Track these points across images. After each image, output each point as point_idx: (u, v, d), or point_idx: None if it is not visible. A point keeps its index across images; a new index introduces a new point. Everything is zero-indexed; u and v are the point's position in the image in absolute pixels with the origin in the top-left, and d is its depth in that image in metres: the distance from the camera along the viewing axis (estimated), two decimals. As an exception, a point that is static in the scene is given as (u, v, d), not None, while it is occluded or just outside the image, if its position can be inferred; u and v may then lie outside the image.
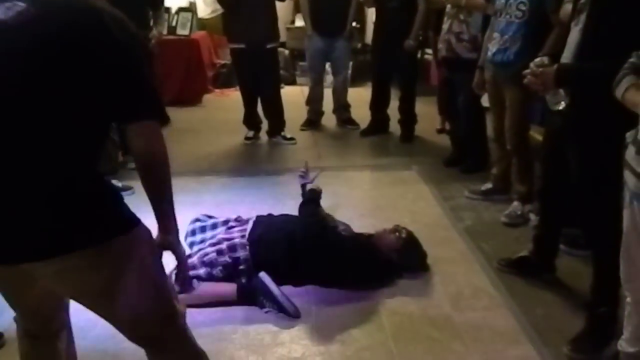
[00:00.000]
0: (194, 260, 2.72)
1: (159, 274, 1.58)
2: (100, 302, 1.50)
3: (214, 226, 3.08)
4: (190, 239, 3.06)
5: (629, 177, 1.84)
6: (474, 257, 3.16)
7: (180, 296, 2.61)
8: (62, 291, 1.55)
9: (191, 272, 2.65)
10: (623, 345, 2.08)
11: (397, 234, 2.97)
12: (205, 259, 2.73)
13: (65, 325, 1.74)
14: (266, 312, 2.62)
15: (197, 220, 3.17)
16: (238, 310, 2.67)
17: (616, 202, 2.20)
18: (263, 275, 2.66)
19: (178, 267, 1.67)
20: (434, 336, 2.49)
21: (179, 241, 1.58)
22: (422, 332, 2.52)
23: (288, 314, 2.59)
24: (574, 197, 2.49)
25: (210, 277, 2.70)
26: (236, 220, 3.06)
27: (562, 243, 3.00)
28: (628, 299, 2.04)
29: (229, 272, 2.72)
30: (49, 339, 1.69)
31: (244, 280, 2.72)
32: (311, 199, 3.13)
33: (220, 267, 2.71)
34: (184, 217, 3.45)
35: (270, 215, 3.10)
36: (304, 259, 2.73)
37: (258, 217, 3.03)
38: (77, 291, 1.50)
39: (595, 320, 2.38)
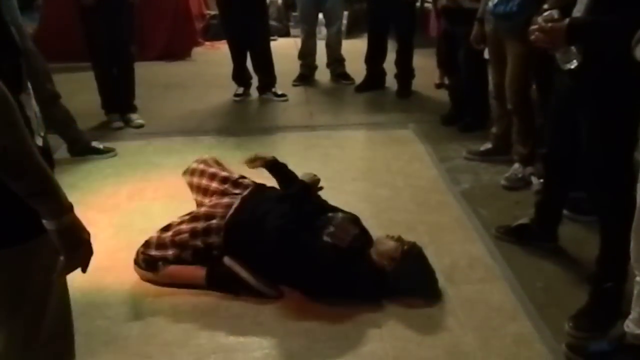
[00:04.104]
0: (166, 236, 2.53)
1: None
2: None
3: (213, 177, 2.77)
4: (188, 179, 2.84)
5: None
6: (470, 224, 2.99)
7: (147, 274, 2.50)
8: None
9: (158, 253, 2.50)
10: (630, 326, 1.92)
11: (398, 242, 2.45)
12: (177, 238, 2.51)
13: None
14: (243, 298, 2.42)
15: (204, 162, 2.87)
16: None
17: (630, 169, 2.03)
18: (228, 260, 2.45)
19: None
20: (426, 312, 2.35)
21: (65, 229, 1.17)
22: (414, 307, 2.37)
23: (267, 296, 2.42)
24: (582, 162, 2.29)
25: (178, 260, 2.50)
26: (235, 183, 2.73)
27: (565, 208, 2.82)
28: (638, 278, 1.87)
29: (200, 257, 2.49)
30: None
31: (214, 267, 2.49)
32: (288, 196, 2.61)
33: (190, 251, 2.49)
34: (167, 182, 3.33)
35: (264, 192, 2.71)
36: (275, 260, 2.42)
37: (251, 193, 2.65)
38: None
39: (600, 296, 2.23)
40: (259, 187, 2.75)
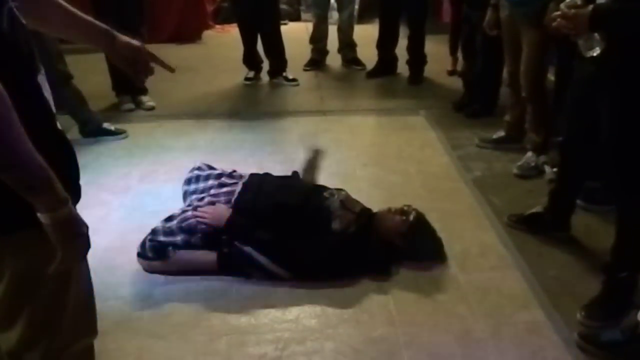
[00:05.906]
0: (172, 224, 2.50)
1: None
2: None
3: (207, 178, 2.86)
4: (185, 188, 2.89)
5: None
6: (482, 212, 2.97)
7: (155, 263, 2.47)
8: None
9: (167, 239, 2.47)
10: (644, 317, 1.92)
11: (403, 216, 2.54)
12: (184, 224, 2.49)
13: None
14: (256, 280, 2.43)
15: (198, 168, 2.96)
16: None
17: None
18: (238, 243, 2.44)
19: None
20: (438, 298, 2.34)
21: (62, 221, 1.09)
22: (426, 293, 2.37)
23: (281, 278, 2.42)
24: (600, 151, 2.26)
25: (187, 245, 2.47)
26: (230, 175, 2.84)
27: (579, 197, 2.81)
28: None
29: (209, 241, 2.47)
30: None
31: (225, 250, 2.45)
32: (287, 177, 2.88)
33: (199, 235, 2.47)
34: (178, 164, 3.32)
35: (264, 176, 2.84)
36: (287, 241, 2.45)
37: (251, 177, 2.78)
38: None
39: (614, 286, 2.21)
40: (255, 174, 2.83)
